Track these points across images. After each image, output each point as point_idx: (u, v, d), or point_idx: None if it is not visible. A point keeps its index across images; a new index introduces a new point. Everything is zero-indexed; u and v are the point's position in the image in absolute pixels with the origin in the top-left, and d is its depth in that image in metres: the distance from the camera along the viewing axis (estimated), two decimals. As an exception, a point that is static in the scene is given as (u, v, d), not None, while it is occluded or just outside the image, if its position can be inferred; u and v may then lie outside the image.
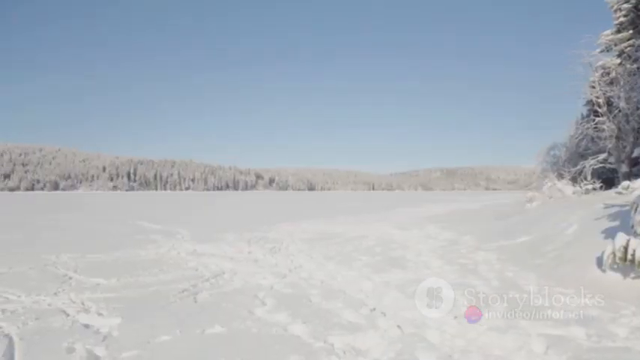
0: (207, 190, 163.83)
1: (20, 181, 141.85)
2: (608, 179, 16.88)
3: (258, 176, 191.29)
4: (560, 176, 17.53)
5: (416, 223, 17.48)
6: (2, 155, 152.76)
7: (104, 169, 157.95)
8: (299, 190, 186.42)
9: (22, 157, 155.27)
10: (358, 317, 4.82)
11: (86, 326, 4.57)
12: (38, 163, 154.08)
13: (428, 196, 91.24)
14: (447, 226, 15.04)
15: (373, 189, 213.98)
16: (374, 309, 5.14)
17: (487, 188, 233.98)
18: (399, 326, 4.49)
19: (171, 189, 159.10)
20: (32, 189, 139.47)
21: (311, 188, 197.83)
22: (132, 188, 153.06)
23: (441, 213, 25.16)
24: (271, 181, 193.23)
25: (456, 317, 4.74)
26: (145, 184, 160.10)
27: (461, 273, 7.23)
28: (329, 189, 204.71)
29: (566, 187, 15.90)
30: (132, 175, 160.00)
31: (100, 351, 3.90)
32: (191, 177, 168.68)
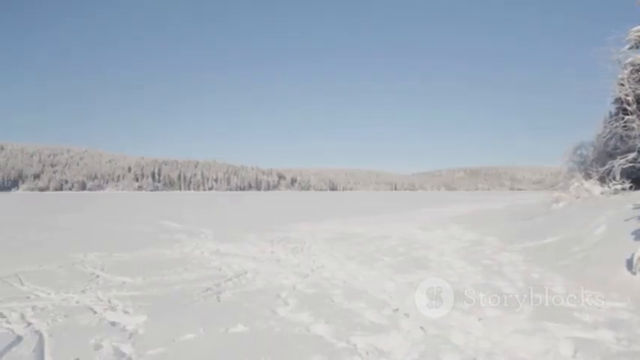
0: (230, 190, 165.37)
1: (49, 181, 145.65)
2: (637, 179, 16.40)
3: (280, 176, 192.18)
4: (588, 176, 17.10)
5: (439, 223, 17.31)
6: (32, 156, 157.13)
7: (129, 169, 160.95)
8: (321, 190, 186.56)
9: (51, 157, 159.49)
10: (381, 318, 4.80)
11: (113, 324, 4.66)
12: (66, 164, 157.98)
13: (451, 196, 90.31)
14: (471, 227, 14.84)
15: (395, 189, 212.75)
16: (397, 309, 5.10)
17: (512, 188, 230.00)
18: (422, 327, 4.45)
19: (194, 189, 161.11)
20: (61, 189, 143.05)
21: (333, 188, 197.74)
22: (156, 188, 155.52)
23: (464, 213, 24.86)
24: (293, 181, 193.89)
25: (480, 319, 4.68)
26: (170, 184, 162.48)
27: (485, 274, 7.13)
28: (351, 189, 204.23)
29: (593, 187, 15.51)
30: (156, 176, 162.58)
31: (126, 348, 3.98)
32: (214, 177, 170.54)
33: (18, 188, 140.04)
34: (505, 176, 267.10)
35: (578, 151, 20.80)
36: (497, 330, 4.36)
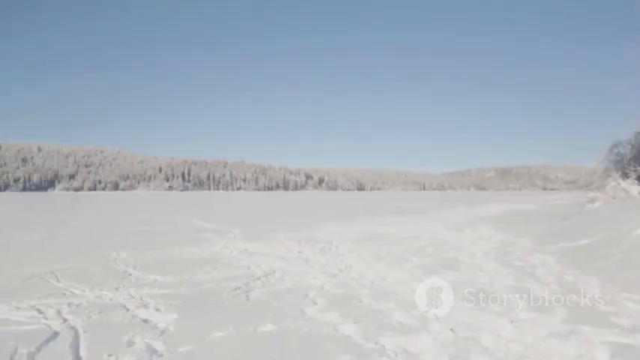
0: (258, 190, 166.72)
1: (84, 181, 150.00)
2: (678, 178, 15.77)
3: (308, 176, 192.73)
4: (625, 175, 16.53)
5: (469, 223, 17.03)
6: (68, 157, 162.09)
7: (160, 169, 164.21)
8: (348, 190, 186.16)
9: (85, 158, 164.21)
10: (410, 319, 4.75)
11: (145, 321, 4.75)
12: (100, 165, 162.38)
13: (481, 196, 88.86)
14: (502, 227, 14.56)
15: (424, 189, 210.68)
16: (426, 311, 5.04)
17: (544, 188, 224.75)
18: (452, 329, 4.38)
19: (223, 189, 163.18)
20: (94, 189, 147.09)
21: (360, 188, 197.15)
22: (186, 188, 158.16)
23: (494, 213, 24.43)
24: (321, 181, 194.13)
25: (512, 322, 4.58)
26: (199, 184, 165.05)
27: (517, 276, 6.97)
28: (379, 189, 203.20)
29: (631, 186, 14.98)
30: (186, 176, 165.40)
31: (158, 345, 4.05)
32: (242, 177, 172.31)
33: (54, 188, 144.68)
34: (537, 176, 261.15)
35: (615, 150, 20.11)
36: (530, 333, 4.26)
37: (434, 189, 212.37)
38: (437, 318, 4.77)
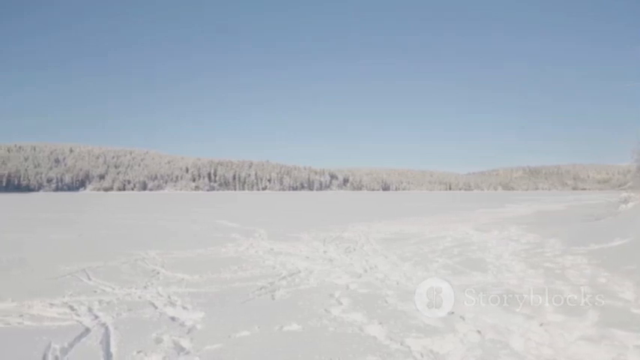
0: (283, 189, 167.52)
1: (113, 181, 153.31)
2: None
3: (333, 176, 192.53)
4: (660, 174, 16.00)
5: (496, 224, 16.75)
6: (98, 158, 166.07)
7: (187, 170, 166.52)
8: (373, 190, 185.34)
9: (115, 159, 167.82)
10: (436, 320, 4.69)
11: (172, 319, 4.83)
12: (129, 165, 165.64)
13: (509, 196, 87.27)
14: (530, 228, 14.26)
15: (450, 189, 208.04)
16: (452, 312, 4.98)
17: (575, 188, 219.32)
18: (479, 331, 4.32)
19: (248, 189, 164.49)
20: (124, 189, 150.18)
21: (385, 188, 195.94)
22: (212, 188, 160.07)
23: (523, 214, 23.97)
24: (345, 181, 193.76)
25: (542, 324, 4.48)
26: (225, 184, 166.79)
27: (546, 278, 6.82)
28: (404, 189, 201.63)
29: (667, 186, 14.50)
30: (212, 176, 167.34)
31: (185, 343, 4.11)
32: (268, 177, 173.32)
33: (85, 188, 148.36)
34: (567, 175, 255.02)
35: (650, 148, 19.50)
36: (560, 336, 4.16)
37: (460, 189, 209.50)
38: (463, 319, 4.71)
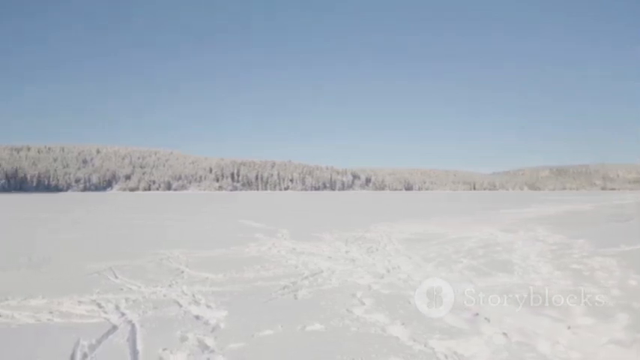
0: (305, 189, 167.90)
1: (139, 181, 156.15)
2: None
3: (355, 176, 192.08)
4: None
5: (522, 224, 16.45)
6: (124, 159, 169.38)
7: (210, 170, 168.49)
8: (396, 190, 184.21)
9: (140, 160, 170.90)
10: (460, 322, 4.63)
11: (197, 317, 4.89)
12: (154, 166, 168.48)
13: (535, 196, 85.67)
14: (558, 229, 13.96)
15: (474, 189, 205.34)
16: (477, 314, 4.91)
17: (604, 188, 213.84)
18: (504, 333, 4.24)
19: (271, 189, 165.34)
20: (149, 189, 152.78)
21: (408, 188, 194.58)
22: (235, 188, 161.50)
23: (550, 214, 23.49)
24: (368, 180, 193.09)
25: (570, 327, 4.38)
26: (248, 184, 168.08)
27: (574, 279, 6.66)
28: (427, 189, 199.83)
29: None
30: (235, 176, 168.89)
31: (209, 341, 4.15)
32: (290, 177, 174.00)
33: (112, 188, 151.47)
34: (596, 175, 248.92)
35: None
36: (589, 340, 4.06)
37: (484, 188, 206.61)
38: (488, 321, 4.64)
